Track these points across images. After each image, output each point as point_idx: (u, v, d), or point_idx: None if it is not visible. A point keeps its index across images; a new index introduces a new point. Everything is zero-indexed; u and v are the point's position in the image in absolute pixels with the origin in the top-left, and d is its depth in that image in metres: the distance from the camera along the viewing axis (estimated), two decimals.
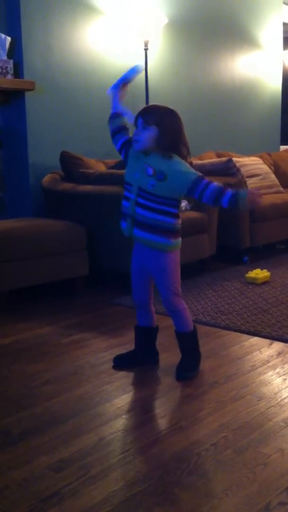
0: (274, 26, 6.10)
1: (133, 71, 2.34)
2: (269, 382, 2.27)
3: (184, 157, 2.23)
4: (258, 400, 2.11)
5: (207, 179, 2.18)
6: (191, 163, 2.37)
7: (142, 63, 2.26)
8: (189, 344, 2.39)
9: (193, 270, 4.15)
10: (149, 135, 2.18)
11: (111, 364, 2.46)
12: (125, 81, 2.34)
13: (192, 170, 2.20)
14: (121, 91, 2.34)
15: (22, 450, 1.78)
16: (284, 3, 6.27)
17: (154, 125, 2.17)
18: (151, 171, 2.18)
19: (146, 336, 2.46)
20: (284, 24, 6.32)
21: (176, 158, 2.20)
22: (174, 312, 2.37)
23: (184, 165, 2.20)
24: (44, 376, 2.36)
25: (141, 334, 2.47)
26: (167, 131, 2.18)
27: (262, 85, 6.04)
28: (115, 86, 2.34)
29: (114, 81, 4.51)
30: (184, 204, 4.03)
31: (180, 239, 2.32)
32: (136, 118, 2.22)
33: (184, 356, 2.38)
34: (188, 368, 2.36)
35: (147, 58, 4.51)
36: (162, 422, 1.97)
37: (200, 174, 2.20)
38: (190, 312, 2.44)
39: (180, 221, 2.31)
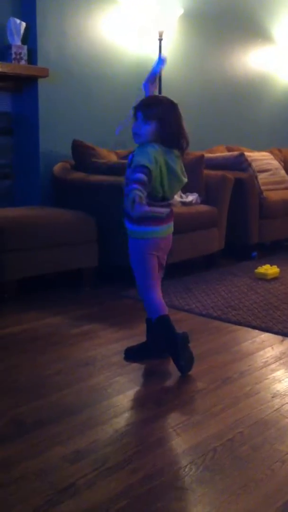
0: None
1: (160, 63, 2.36)
2: (283, 379, 2.25)
3: (183, 149, 2.24)
4: (272, 397, 2.09)
5: (140, 175, 2.07)
6: (191, 156, 2.39)
7: (165, 55, 2.30)
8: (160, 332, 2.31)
9: (201, 265, 4.13)
10: (149, 129, 2.19)
11: (122, 356, 2.44)
12: (155, 75, 2.35)
13: (143, 160, 2.11)
14: (152, 85, 2.34)
15: (36, 440, 1.76)
16: None
17: (154, 120, 2.17)
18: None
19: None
20: None
21: (144, 147, 2.17)
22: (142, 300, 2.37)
23: (142, 153, 2.14)
24: (55, 366, 2.34)
25: (151, 326, 2.44)
26: (168, 125, 2.19)
27: (274, 80, 6.00)
28: (147, 80, 2.34)
29: (128, 70, 4.50)
30: (194, 197, 4.00)
31: (147, 228, 2.28)
32: (136, 110, 2.22)
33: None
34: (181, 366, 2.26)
35: (161, 49, 4.47)
36: (176, 416, 1.95)
37: (143, 165, 2.10)
38: (164, 303, 2.33)
39: (152, 208, 2.23)
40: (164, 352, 2.42)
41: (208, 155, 4.55)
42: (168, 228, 2.34)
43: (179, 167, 2.24)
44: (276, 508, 1.46)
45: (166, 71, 4.64)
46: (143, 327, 2.50)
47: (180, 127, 2.22)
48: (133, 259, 2.35)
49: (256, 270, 3.82)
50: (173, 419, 1.93)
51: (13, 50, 3.69)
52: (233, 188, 4.15)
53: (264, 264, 3.94)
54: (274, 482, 1.57)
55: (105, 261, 3.62)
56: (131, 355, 2.43)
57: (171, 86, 4.72)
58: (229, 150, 5.00)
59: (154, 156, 2.15)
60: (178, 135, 2.21)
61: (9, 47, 3.70)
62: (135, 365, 2.36)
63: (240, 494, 1.51)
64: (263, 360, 2.44)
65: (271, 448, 1.74)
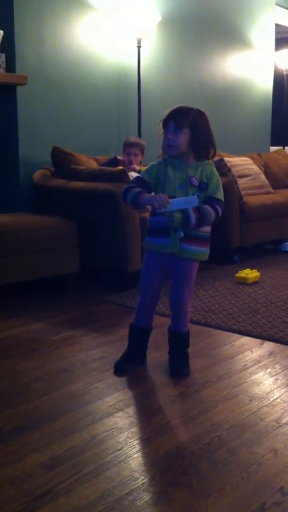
0: (266, 27, 6.11)
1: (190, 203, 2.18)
2: (261, 382, 2.27)
3: (210, 158, 2.25)
4: (250, 400, 2.11)
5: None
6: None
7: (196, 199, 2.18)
8: (184, 343, 2.39)
9: None
10: (183, 138, 2.17)
11: (102, 361, 2.44)
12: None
13: (220, 186, 2.24)
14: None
15: (13, 447, 1.76)
16: (277, 4, 6.29)
17: (187, 128, 2.17)
18: (195, 182, 2.19)
19: (144, 336, 2.44)
20: (277, 25, 6.33)
21: (209, 165, 2.22)
22: (182, 313, 2.36)
23: (217, 174, 2.25)
24: (34, 373, 2.34)
25: (140, 335, 2.43)
26: (200, 133, 2.19)
27: (253, 85, 6.05)
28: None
29: (107, 77, 4.51)
30: None
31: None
32: (166, 122, 2.20)
33: (177, 354, 2.38)
34: (184, 365, 2.36)
35: (140, 55, 4.49)
36: (155, 420, 1.96)
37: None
38: None
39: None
40: (143, 358, 2.44)
41: None
42: None
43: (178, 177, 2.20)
44: (252, 510, 1.47)
45: (146, 78, 4.67)
46: (123, 332, 2.50)
47: (211, 134, 2.23)
48: (193, 276, 2.34)
49: (236, 275, 3.84)
50: (151, 424, 1.93)
51: None
52: None
53: (245, 268, 3.97)
54: (251, 485, 1.58)
55: (86, 267, 3.63)
56: (121, 367, 2.37)
57: (151, 92, 4.75)
58: None
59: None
60: (209, 142, 2.22)
61: None
62: (114, 371, 2.36)
63: (216, 498, 1.52)
64: (242, 364, 2.45)
65: (247, 451, 1.75)
